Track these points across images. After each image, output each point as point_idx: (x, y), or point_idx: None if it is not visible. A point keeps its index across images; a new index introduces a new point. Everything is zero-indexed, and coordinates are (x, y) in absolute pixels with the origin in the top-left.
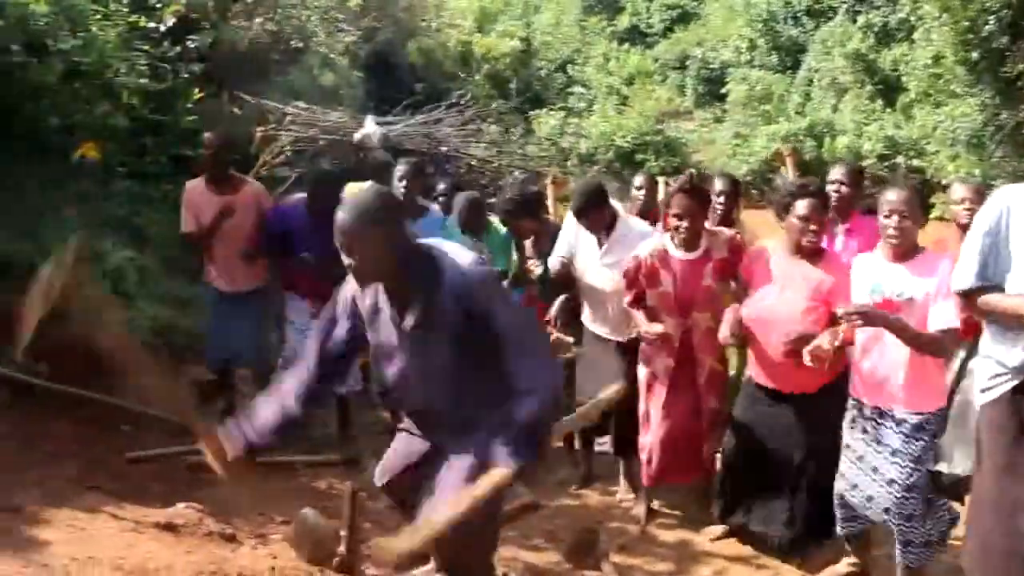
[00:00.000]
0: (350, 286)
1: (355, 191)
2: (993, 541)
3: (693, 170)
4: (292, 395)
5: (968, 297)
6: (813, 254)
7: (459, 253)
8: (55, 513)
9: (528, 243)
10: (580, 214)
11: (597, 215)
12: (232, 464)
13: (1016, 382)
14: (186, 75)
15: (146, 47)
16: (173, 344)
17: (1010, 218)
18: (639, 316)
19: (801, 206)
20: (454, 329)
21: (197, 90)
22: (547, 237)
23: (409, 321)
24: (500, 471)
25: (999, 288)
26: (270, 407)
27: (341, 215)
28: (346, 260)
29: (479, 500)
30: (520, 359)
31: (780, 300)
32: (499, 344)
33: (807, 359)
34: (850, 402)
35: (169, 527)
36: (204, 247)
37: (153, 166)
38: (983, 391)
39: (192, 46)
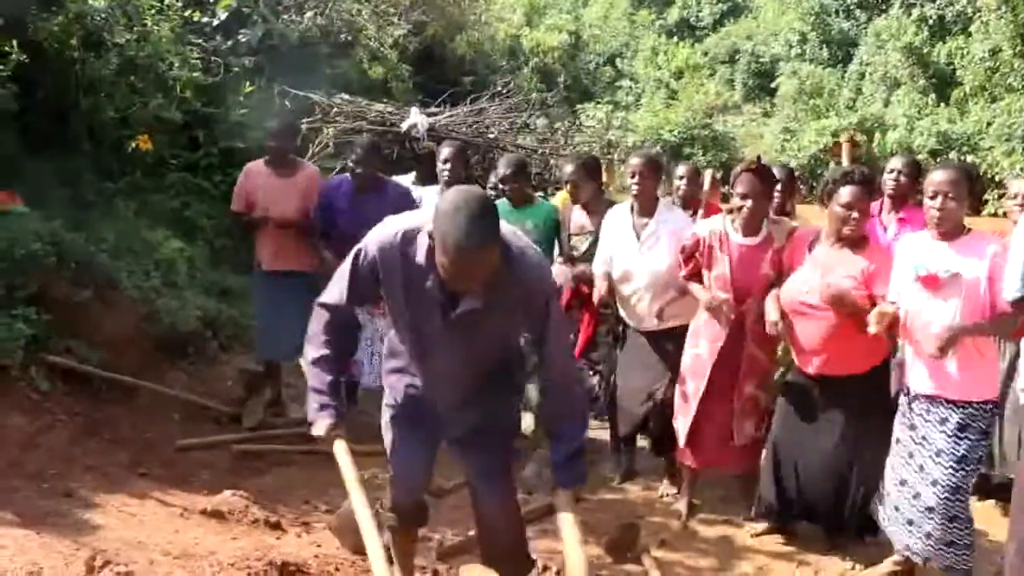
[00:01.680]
0: (373, 249)
1: (455, 203)
2: None
3: (760, 154)
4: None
5: (1019, 305)
6: (855, 242)
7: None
8: (107, 498)
9: (572, 219)
10: (638, 170)
11: (653, 176)
12: None
13: None
14: (237, 69)
15: (199, 41)
16: (220, 334)
17: None
18: (697, 288)
19: (844, 193)
20: (509, 316)
21: (248, 83)
22: (599, 207)
23: (467, 305)
24: (568, 495)
25: None
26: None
27: (467, 241)
28: (462, 279)
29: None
30: (564, 396)
31: (821, 287)
32: (541, 368)
33: (873, 324)
34: (901, 393)
35: (215, 514)
36: (252, 227)
37: (204, 158)
38: None
39: (243, 40)
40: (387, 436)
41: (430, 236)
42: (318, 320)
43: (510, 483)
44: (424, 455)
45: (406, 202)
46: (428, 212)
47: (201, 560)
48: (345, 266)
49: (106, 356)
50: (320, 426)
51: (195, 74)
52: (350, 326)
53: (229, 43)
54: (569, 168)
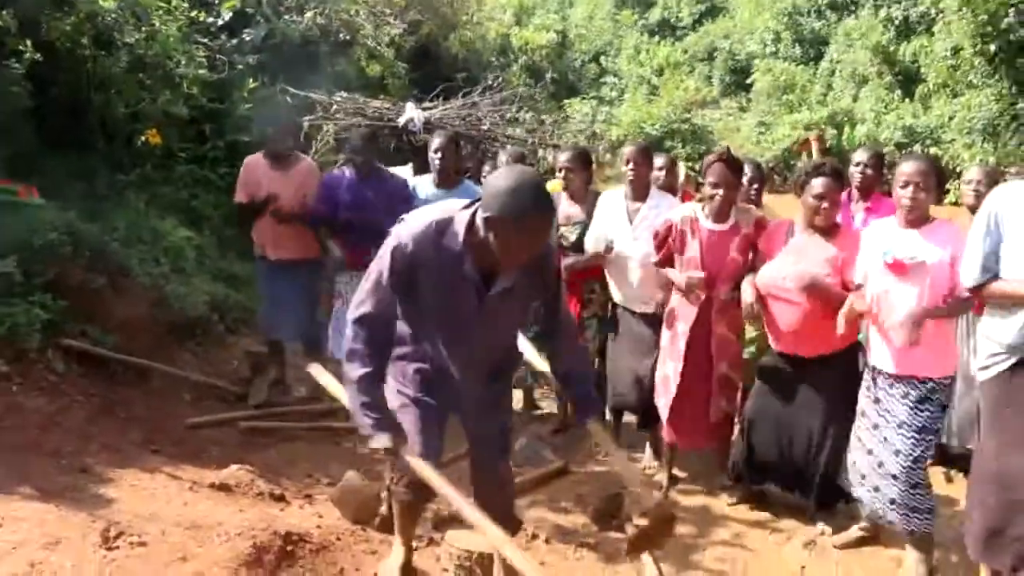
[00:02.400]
0: (409, 243)
1: (517, 180)
2: (992, 512)
3: (729, 145)
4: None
5: (977, 291)
6: (827, 230)
7: None
8: (121, 473)
9: (561, 209)
10: (633, 158)
11: (647, 164)
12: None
13: (1013, 360)
14: (241, 66)
15: (205, 40)
16: (227, 317)
17: (1000, 218)
18: (672, 272)
19: (816, 184)
20: (531, 290)
21: (252, 80)
22: (586, 196)
23: (502, 284)
24: (597, 421)
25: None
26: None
27: (540, 210)
28: (526, 250)
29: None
30: (574, 343)
31: (794, 273)
32: (550, 320)
33: (840, 325)
34: (866, 368)
35: (223, 487)
36: (254, 217)
37: (210, 151)
38: (983, 368)
39: (247, 39)
40: (405, 420)
41: (486, 220)
42: (357, 337)
43: (508, 450)
44: (441, 435)
45: (403, 189)
46: (454, 203)
47: (210, 530)
48: (380, 270)
49: (119, 340)
50: (382, 440)
51: (201, 71)
52: (388, 331)
53: (233, 42)
54: (565, 156)
